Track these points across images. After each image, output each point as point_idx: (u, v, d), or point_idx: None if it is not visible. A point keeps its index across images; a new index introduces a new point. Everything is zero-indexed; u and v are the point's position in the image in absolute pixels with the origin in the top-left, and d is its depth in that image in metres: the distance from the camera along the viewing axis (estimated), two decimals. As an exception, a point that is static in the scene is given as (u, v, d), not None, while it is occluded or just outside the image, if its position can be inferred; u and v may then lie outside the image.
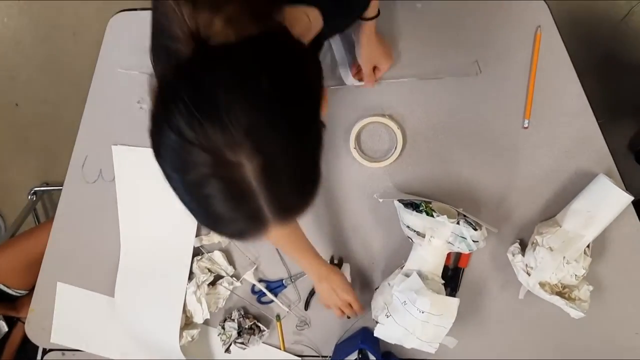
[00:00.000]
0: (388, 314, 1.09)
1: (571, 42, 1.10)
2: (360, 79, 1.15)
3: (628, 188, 1.09)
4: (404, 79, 1.16)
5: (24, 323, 1.43)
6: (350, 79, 1.14)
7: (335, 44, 1.15)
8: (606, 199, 1.06)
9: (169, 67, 0.56)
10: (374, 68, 1.12)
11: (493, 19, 1.11)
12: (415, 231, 1.09)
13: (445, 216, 1.06)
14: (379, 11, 1.01)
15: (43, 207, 2.30)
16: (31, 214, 2.17)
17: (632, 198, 1.05)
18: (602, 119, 1.11)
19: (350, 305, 1.18)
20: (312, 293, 1.28)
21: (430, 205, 1.10)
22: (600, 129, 1.11)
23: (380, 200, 1.14)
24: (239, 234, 0.61)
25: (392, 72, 1.15)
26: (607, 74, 1.85)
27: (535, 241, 1.11)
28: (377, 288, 1.19)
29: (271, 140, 0.53)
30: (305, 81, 0.60)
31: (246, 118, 0.51)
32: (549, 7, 1.08)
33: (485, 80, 1.13)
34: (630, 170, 1.84)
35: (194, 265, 1.28)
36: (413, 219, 1.09)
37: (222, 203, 0.54)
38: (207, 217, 0.58)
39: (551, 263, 1.07)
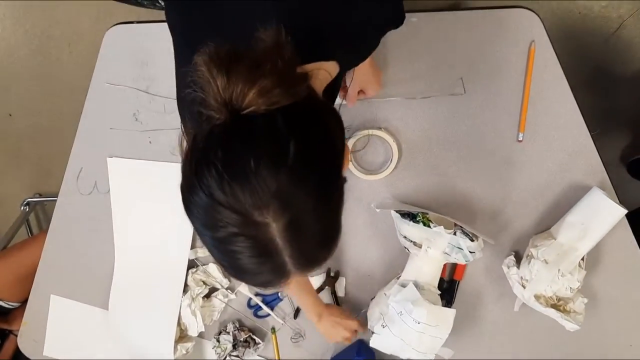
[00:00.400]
0: (384, 324, 1.09)
1: (563, 55, 1.11)
2: (343, 97, 1.15)
3: (621, 200, 1.10)
4: (392, 98, 1.16)
5: (16, 336, 1.42)
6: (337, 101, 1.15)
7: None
8: (600, 212, 1.07)
9: (200, 132, 0.58)
10: (359, 91, 1.13)
11: (488, 33, 1.12)
12: (412, 241, 1.09)
13: (442, 227, 1.06)
14: None
15: (36, 218, 2.29)
16: (24, 225, 2.15)
17: (625, 211, 1.05)
18: (595, 130, 1.12)
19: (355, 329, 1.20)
20: (303, 303, 1.28)
21: (427, 216, 1.10)
22: (594, 140, 1.12)
23: (378, 210, 1.15)
24: (263, 285, 0.64)
25: (382, 91, 1.16)
26: (599, 86, 1.87)
27: (530, 254, 1.11)
28: (373, 298, 1.19)
29: (297, 199, 0.56)
30: (330, 140, 0.63)
31: (274, 181, 0.54)
32: (542, 22, 1.09)
33: (479, 94, 1.14)
34: (622, 182, 1.85)
35: (189, 277, 1.28)
36: (410, 230, 1.09)
37: (248, 259, 0.57)
38: (234, 270, 0.61)
39: (546, 276, 1.07)
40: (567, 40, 1.81)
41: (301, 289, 1.18)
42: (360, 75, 1.09)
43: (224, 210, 0.54)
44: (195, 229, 0.60)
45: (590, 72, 1.85)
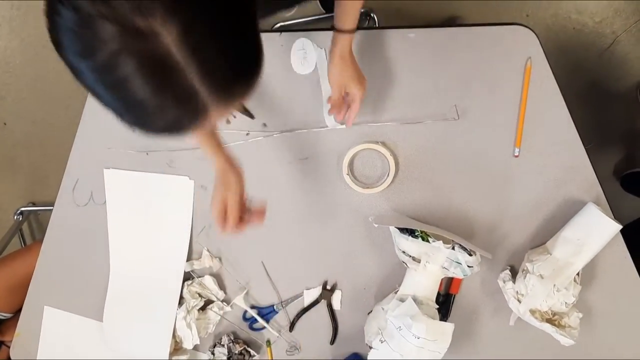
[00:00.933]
0: (382, 339, 1.08)
1: (557, 70, 1.12)
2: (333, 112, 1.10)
3: (614, 214, 1.11)
4: (387, 123, 1.17)
5: (8, 347, 1.41)
6: (332, 122, 1.15)
7: (325, 89, 1.17)
8: (595, 227, 1.08)
9: None
10: (345, 98, 1.06)
11: (485, 49, 1.13)
12: (410, 256, 1.09)
13: (440, 241, 1.07)
14: (357, 28, 0.98)
15: (29, 227, 2.28)
16: (17, 235, 2.14)
17: (620, 227, 1.06)
18: (589, 144, 1.13)
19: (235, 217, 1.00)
20: (299, 315, 1.27)
21: (426, 231, 1.11)
22: (588, 154, 1.13)
23: (376, 225, 1.15)
24: (174, 126, 0.53)
25: (378, 115, 1.17)
26: (593, 100, 1.89)
27: (525, 268, 1.12)
28: (370, 312, 1.18)
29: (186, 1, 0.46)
30: None
31: None
32: (539, 39, 1.10)
33: (476, 109, 1.14)
34: (615, 196, 1.87)
35: (184, 290, 1.27)
36: (409, 244, 1.09)
37: (142, 85, 0.46)
38: (130, 109, 0.50)
39: (542, 291, 1.07)
40: (562, 55, 1.84)
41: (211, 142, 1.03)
42: (340, 70, 1.01)
43: (97, 22, 0.43)
44: (73, 70, 0.48)
45: (584, 86, 1.87)
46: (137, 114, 0.51)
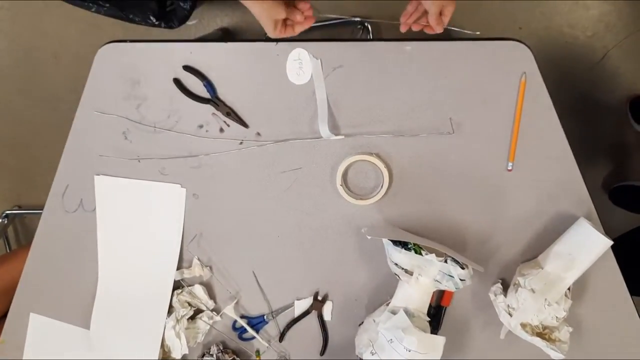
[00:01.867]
0: (373, 351, 1.08)
1: (549, 83, 1.13)
2: (415, 27, 1.09)
3: (603, 227, 1.12)
4: (383, 135, 1.17)
5: (-8, 354, 1.38)
6: (327, 133, 1.15)
7: (320, 99, 1.16)
8: (587, 242, 1.08)
9: None
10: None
11: (480, 63, 1.13)
12: (403, 269, 1.09)
13: (433, 254, 1.06)
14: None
15: (14, 231, 2.24)
16: (1, 238, 2.11)
17: (611, 242, 1.07)
18: (578, 159, 1.14)
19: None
20: (289, 325, 1.27)
21: (418, 244, 1.11)
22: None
23: (369, 237, 1.14)
24: None
25: (372, 127, 1.17)
26: (583, 114, 1.91)
27: (517, 282, 1.12)
28: (361, 324, 1.18)
29: None
30: None
31: None
32: (533, 54, 1.11)
33: (470, 123, 1.15)
34: (603, 209, 1.89)
35: (174, 299, 1.26)
36: (401, 257, 1.09)
37: None
38: None
39: (533, 305, 1.08)
40: (553, 68, 1.86)
41: None
42: None
43: None
44: None
45: (575, 99, 1.89)
46: None
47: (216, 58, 1.18)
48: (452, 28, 1.10)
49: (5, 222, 2.15)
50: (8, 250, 2.18)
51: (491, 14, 1.84)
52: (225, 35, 1.91)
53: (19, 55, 2.09)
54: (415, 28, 1.09)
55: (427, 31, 1.08)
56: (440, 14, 1.04)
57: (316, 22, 1.08)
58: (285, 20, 1.03)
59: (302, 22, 1.04)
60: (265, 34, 1.05)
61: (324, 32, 1.82)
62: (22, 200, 2.23)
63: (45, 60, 2.08)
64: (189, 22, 1.88)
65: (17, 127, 2.16)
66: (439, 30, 1.06)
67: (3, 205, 2.22)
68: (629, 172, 1.95)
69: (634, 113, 1.87)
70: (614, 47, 1.84)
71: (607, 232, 1.08)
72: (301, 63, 1.15)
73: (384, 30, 1.83)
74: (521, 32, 1.82)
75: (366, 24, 1.74)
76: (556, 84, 1.85)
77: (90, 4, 1.40)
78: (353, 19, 1.79)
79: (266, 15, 1.00)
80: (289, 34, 1.05)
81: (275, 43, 1.16)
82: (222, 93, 1.19)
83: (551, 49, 1.85)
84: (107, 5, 1.42)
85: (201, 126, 1.20)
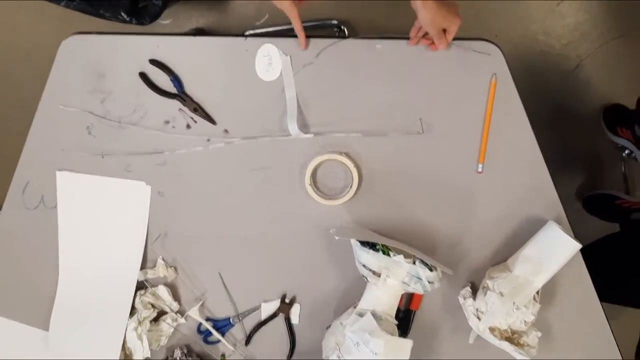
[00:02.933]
0: (340, 355, 1.06)
1: (523, 91, 1.13)
2: (423, 43, 1.11)
3: (578, 236, 1.11)
4: (352, 134, 1.16)
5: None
6: (296, 131, 1.13)
7: (289, 97, 1.15)
8: (555, 246, 1.08)
9: None
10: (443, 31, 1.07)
11: (450, 63, 1.13)
12: (370, 270, 1.07)
13: (401, 255, 1.05)
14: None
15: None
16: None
17: (580, 246, 1.06)
18: (552, 166, 1.14)
19: None
20: (256, 328, 1.24)
21: (387, 245, 1.09)
22: (550, 175, 1.14)
23: (337, 237, 1.13)
24: None
25: (342, 126, 1.16)
26: (556, 122, 1.92)
27: (486, 285, 1.11)
28: (328, 327, 1.15)
29: None
30: None
31: None
32: (504, 55, 1.11)
33: (440, 124, 1.14)
34: (578, 218, 1.89)
35: (137, 300, 1.22)
36: (369, 258, 1.07)
37: None
38: None
39: (501, 308, 1.07)
40: (528, 76, 1.87)
41: None
42: (432, 14, 1.01)
43: None
44: None
45: (549, 107, 1.90)
46: None
47: (184, 52, 1.16)
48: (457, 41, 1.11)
49: (-29, 222, 2.10)
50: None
51: (467, 21, 1.84)
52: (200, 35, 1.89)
53: (-10, 52, 2.05)
54: (422, 43, 1.11)
55: (431, 49, 1.11)
56: (445, 31, 1.07)
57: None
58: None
59: None
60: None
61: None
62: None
63: (18, 59, 2.04)
64: (163, 22, 1.86)
65: (-17, 127, 2.11)
66: (442, 48, 1.09)
67: (-31, 205, 2.17)
68: (602, 180, 1.96)
69: (607, 122, 1.89)
70: (587, 56, 1.85)
71: (581, 240, 1.08)
72: (270, 59, 1.14)
73: (362, 32, 1.83)
74: (497, 39, 1.81)
75: (342, 27, 1.73)
76: (531, 93, 1.86)
77: (60, -1, 1.38)
78: (330, 22, 1.79)
79: None
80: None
81: (244, 38, 1.14)
82: (190, 88, 1.16)
83: (526, 57, 1.86)
84: (77, 0, 1.40)
85: (167, 122, 1.18)
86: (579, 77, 1.88)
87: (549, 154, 1.14)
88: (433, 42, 1.09)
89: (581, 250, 1.09)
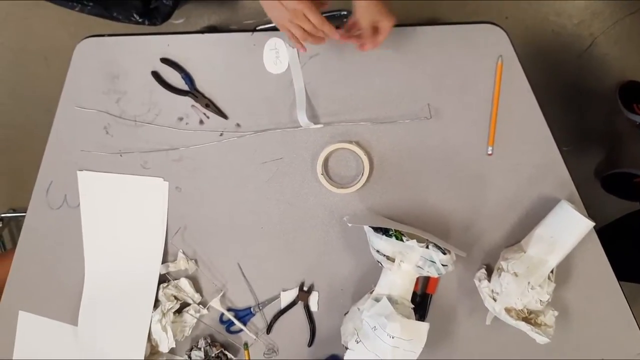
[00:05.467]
0: (358, 339, 1.08)
1: (537, 72, 1.13)
2: (354, 41, 1.05)
3: (594, 215, 1.10)
4: (361, 123, 1.17)
5: (-17, 353, 1.39)
6: (305, 122, 1.15)
7: (298, 88, 1.16)
8: (568, 224, 1.08)
9: None
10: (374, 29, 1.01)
11: (456, 48, 1.13)
12: (384, 255, 1.09)
13: (414, 240, 1.06)
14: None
15: (10, 233, 2.25)
16: (-3, 241, 2.13)
17: (592, 224, 1.06)
18: (568, 146, 1.13)
19: (308, 22, 0.95)
20: (276, 317, 1.27)
21: (400, 230, 1.10)
22: (565, 155, 1.13)
23: (350, 224, 1.14)
24: None
25: (351, 114, 1.17)
26: (573, 103, 1.90)
27: (500, 267, 1.11)
28: (346, 313, 1.18)
29: None
30: None
31: None
32: (509, 37, 1.11)
33: (448, 108, 1.14)
34: (597, 197, 1.87)
35: (160, 292, 1.26)
36: (383, 244, 1.09)
37: None
38: None
39: (516, 289, 1.07)
40: (541, 57, 1.85)
41: None
42: (367, 5, 0.97)
43: None
44: None
45: (564, 87, 1.88)
46: None
47: (194, 50, 1.18)
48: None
49: (0, 225, 2.17)
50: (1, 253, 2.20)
51: (477, 4, 1.84)
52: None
53: (9, 57, 2.10)
54: (353, 41, 1.05)
55: (361, 49, 1.04)
56: (378, 30, 1.01)
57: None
58: None
59: None
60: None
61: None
62: (16, 203, 2.24)
63: (35, 62, 2.10)
64: (175, 21, 1.89)
65: (9, 130, 2.17)
66: (370, 47, 1.03)
67: (-2, 208, 2.24)
68: (620, 159, 1.93)
69: (623, 99, 1.86)
70: (601, 34, 1.83)
71: (601, 220, 1.07)
72: (278, 52, 1.15)
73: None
74: (508, 21, 1.81)
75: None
76: (545, 73, 1.84)
77: (74, 3, 1.41)
78: (340, 12, 1.79)
79: None
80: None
81: (251, 33, 1.16)
82: (201, 85, 1.19)
83: (539, 38, 1.84)
84: (91, 4, 1.43)
85: (181, 119, 1.21)
86: (593, 55, 1.85)
87: (565, 134, 1.14)
88: (363, 42, 1.03)
89: (601, 229, 1.09)
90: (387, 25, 1.00)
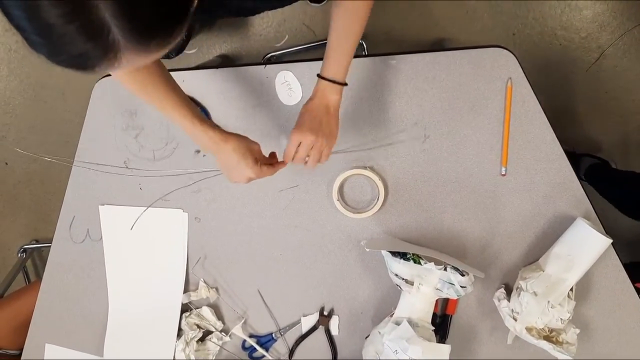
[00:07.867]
0: (380, 363, 1.09)
1: (545, 86, 1.14)
2: (289, 160, 1.03)
3: (613, 230, 1.11)
4: (375, 148, 1.18)
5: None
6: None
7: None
8: (585, 242, 1.08)
9: None
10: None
11: (466, 72, 1.14)
12: (403, 279, 1.10)
13: (432, 263, 1.07)
14: (345, 83, 0.96)
15: (33, 264, 2.30)
16: (21, 272, 2.16)
17: (610, 241, 1.06)
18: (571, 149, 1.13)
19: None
20: (298, 342, 1.28)
21: (417, 253, 1.11)
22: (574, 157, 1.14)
23: (367, 249, 1.16)
24: (80, 60, 0.50)
25: (364, 140, 1.19)
26: (583, 116, 1.90)
27: (519, 286, 1.12)
28: (367, 337, 1.18)
29: None
30: None
31: None
32: (517, 59, 1.12)
33: (461, 130, 1.16)
34: (613, 211, 1.87)
35: (183, 321, 1.28)
36: (401, 267, 1.10)
37: (52, 8, 0.44)
38: (38, 32, 0.47)
39: (536, 308, 1.08)
40: (550, 71, 1.86)
41: (155, 96, 0.93)
42: (310, 119, 0.96)
43: None
44: None
45: (573, 101, 1.89)
46: (44, 39, 0.47)
47: (208, 84, 1.21)
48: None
49: (24, 256, 2.21)
50: (26, 285, 2.23)
51: (484, 23, 1.86)
52: (225, 62, 1.95)
53: (29, 94, 2.16)
54: (296, 162, 1.03)
55: (306, 167, 1.03)
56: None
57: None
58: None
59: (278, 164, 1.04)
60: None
61: (317, 51, 1.84)
62: (39, 235, 2.29)
63: (54, 98, 2.15)
64: (188, 51, 1.93)
65: (32, 164, 2.23)
66: (280, 166, 1.05)
67: (21, 240, 2.28)
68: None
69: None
70: (609, 46, 1.84)
71: (621, 234, 1.07)
72: (290, 85, 1.18)
73: (380, 45, 1.86)
74: (515, 38, 1.83)
75: (362, 42, 1.76)
76: (553, 87, 1.85)
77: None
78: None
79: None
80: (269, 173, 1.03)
81: (264, 66, 1.19)
82: (217, 117, 1.22)
83: (546, 53, 1.85)
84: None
85: (198, 151, 1.23)
86: (601, 68, 1.86)
87: (574, 146, 1.14)
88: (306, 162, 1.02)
89: (611, 243, 1.09)
90: (327, 147, 1.00)
